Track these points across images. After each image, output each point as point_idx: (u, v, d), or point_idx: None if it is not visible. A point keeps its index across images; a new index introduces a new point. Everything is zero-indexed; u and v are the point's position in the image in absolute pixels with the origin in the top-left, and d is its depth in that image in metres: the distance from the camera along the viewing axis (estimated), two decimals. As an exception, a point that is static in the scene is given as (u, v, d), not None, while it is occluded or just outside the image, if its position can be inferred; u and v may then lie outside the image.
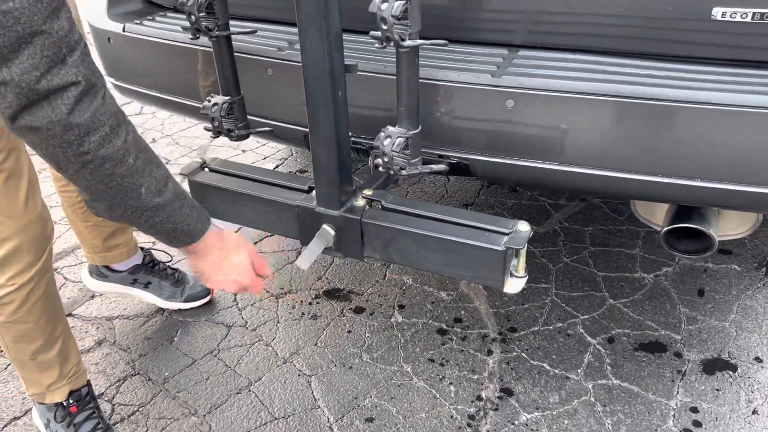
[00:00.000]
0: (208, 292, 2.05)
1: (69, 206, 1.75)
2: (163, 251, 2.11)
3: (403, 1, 1.00)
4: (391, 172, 1.18)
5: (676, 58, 1.34)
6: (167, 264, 2.06)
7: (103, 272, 1.97)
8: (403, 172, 1.17)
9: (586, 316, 1.93)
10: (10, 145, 1.27)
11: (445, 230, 1.24)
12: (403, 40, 1.02)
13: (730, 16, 1.25)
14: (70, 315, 2.03)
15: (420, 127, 1.19)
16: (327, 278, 2.16)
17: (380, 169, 1.19)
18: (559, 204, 2.50)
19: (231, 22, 1.46)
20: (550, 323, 1.92)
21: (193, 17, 1.26)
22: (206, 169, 1.51)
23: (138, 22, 1.78)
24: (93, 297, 2.11)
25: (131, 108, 3.58)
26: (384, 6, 1.01)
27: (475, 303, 2.02)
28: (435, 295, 2.06)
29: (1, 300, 1.34)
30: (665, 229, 1.49)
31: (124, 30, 1.75)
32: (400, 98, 1.14)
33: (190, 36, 1.32)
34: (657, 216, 1.67)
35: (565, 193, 2.56)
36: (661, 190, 1.34)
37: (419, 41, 1.03)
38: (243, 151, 3.05)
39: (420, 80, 1.33)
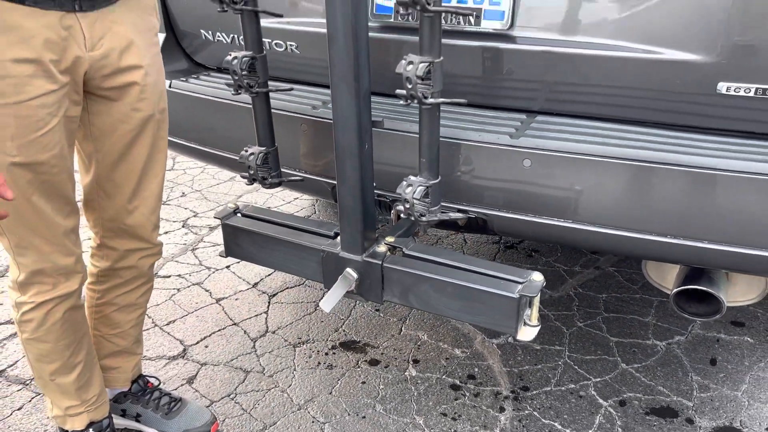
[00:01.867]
0: (209, 429, 1.74)
1: (88, 306, 1.66)
2: (154, 377, 1.84)
3: (427, 63, 1.11)
4: (412, 218, 1.26)
5: (683, 127, 1.43)
6: (158, 388, 1.80)
7: None
8: (423, 219, 1.25)
9: (598, 379, 1.95)
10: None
11: (462, 277, 1.30)
12: (425, 98, 1.12)
13: (734, 91, 1.34)
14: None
15: (440, 178, 1.28)
16: (344, 330, 2.21)
17: (402, 215, 1.28)
18: (574, 270, 2.55)
19: (269, 82, 1.59)
20: (563, 384, 1.94)
21: (236, 75, 1.39)
22: (239, 214, 1.60)
23: (184, 79, 1.93)
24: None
25: (164, 164, 3.75)
26: (409, 67, 1.13)
27: (489, 361, 2.05)
28: (449, 351, 2.10)
29: (23, 316, 1.42)
30: (675, 290, 1.55)
31: (170, 86, 1.90)
32: (422, 151, 1.23)
33: (232, 92, 1.44)
34: (668, 279, 1.72)
35: (580, 252, 2.61)
36: (668, 250, 1.40)
37: (440, 99, 1.14)
38: (268, 208, 3.16)
39: (444, 139, 1.44)
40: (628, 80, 1.43)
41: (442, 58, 1.12)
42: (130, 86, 1.37)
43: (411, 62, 1.10)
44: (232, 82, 1.38)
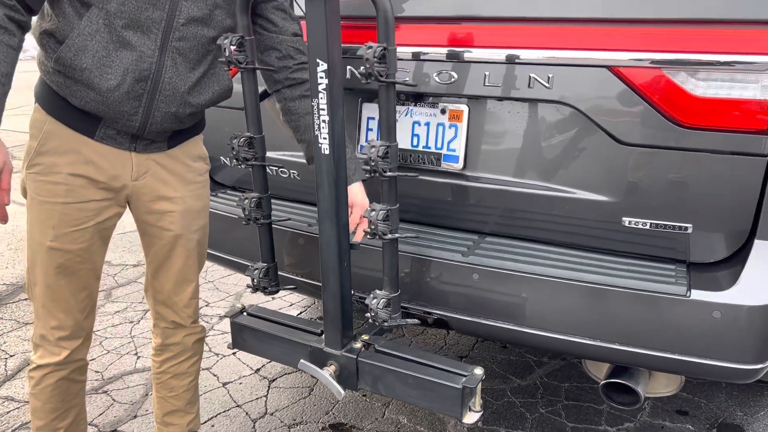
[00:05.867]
0: None
1: (152, 374, 1.98)
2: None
3: (385, 211, 1.49)
4: (377, 323, 1.61)
5: (600, 250, 1.80)
6: None
7: None
8: (386, 324, 1.60)
9: (552, 460, 2.23)
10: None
11: (419, 370, 1.63)
12: (384, 235, 1.50)
13: (635, 224, 1.71)
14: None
15: (399, 291, 1.64)
16: (334, 413, 2.51)
17: (370, 320, 1.63)
18: (543, 361, 2.85)
19: (275, 202, 1.98)
20: (522, 464, 2.22)
21: (246, 211, 1.78)
22: (245, 313, 1.95)
23: (204, 197, 2.33)
24: (135, 416, 2.49)
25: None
26: (372, 213, 1.51)
27: (459, 443, 2.34)
28: (425, 433, 2.39)
29: (29, 373, 1.69)
30: (601, 382, 1.86)
31: (192, 202, 2.29)
32: (384, 271, 1.60)
33: (244, 222, 1.82)
34: (602, 372, 2.03)
35: (531, 348, 2.91)
36: (586, 350, 1.73)
37: (396, 235, 1.51)
38: (273, 298, 3.51)
39: (411, 255, 1.81)
40: (554, 212, 1.80)
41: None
42: (163, 213, 1.70)
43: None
44: (243, 215, 1.76)
